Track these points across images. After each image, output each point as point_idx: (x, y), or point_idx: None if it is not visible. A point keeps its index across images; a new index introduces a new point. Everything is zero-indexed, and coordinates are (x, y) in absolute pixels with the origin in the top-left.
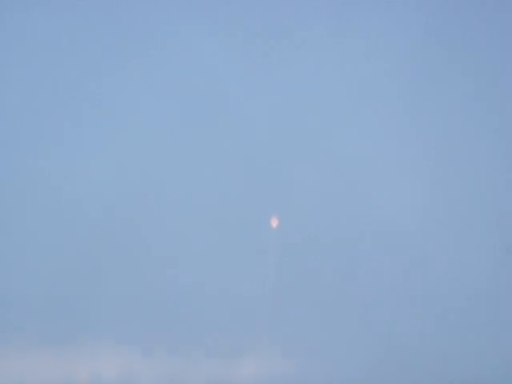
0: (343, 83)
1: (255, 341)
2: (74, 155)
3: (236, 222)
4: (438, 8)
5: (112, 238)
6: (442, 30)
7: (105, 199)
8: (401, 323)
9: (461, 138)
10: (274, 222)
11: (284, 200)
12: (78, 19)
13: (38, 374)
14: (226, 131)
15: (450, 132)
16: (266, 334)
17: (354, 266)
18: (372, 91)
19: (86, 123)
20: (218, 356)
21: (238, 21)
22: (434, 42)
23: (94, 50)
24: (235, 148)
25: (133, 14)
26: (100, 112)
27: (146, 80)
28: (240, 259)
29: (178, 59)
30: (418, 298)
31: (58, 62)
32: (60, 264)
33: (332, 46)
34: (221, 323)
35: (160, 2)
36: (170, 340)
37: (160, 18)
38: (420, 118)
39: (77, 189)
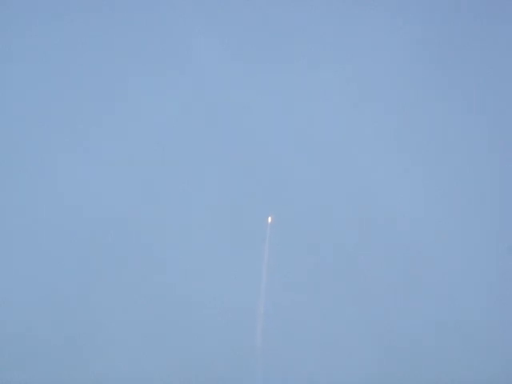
0: (345, 89)
1: (254, 341)
2: (76, 159)
3: (236, 225)
4: (441, 18)
5: (111, 240)
6: (446, 43)
7: (105, 201)
8: (402, 324)
9: (461, 141)
10: (272, 224)
11: (285, 204)
12: (87, 28)
13: None
14: (230, 136)
15: (451, 139)
16: (265, 337)
17: (356, 268)
18: (373, 95)
19: (90, 127)
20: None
21: (244, 31)
22: (439, 54)
23: (103, 57)
24: (236, 153)
25: (145, 24)
26: (105, 116)
27: (152, 92)
28: (240, 261)
29: (188, 67)
30: (418, 298)
31: (67, 66)
32: (61, 266)
33: (337, 52)
34: (219, 328)
35: (172, 12)
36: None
37: (170, 27)
38: (420, 124)
39: (79, 192)
